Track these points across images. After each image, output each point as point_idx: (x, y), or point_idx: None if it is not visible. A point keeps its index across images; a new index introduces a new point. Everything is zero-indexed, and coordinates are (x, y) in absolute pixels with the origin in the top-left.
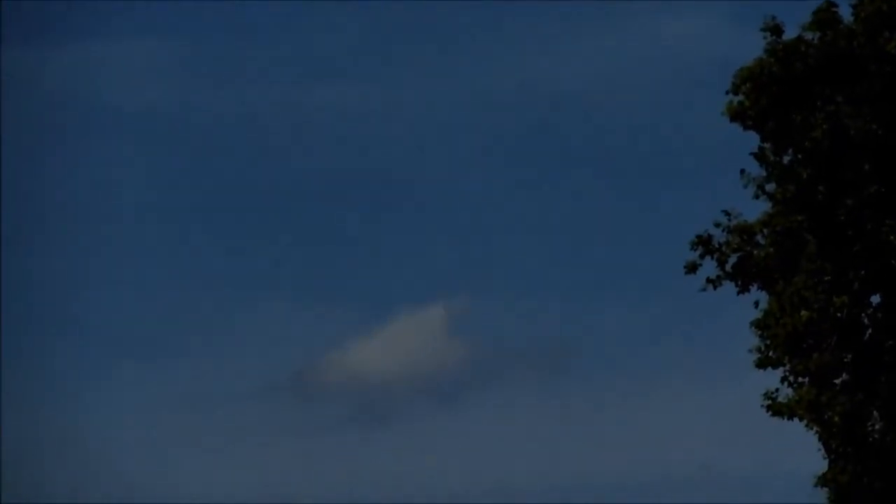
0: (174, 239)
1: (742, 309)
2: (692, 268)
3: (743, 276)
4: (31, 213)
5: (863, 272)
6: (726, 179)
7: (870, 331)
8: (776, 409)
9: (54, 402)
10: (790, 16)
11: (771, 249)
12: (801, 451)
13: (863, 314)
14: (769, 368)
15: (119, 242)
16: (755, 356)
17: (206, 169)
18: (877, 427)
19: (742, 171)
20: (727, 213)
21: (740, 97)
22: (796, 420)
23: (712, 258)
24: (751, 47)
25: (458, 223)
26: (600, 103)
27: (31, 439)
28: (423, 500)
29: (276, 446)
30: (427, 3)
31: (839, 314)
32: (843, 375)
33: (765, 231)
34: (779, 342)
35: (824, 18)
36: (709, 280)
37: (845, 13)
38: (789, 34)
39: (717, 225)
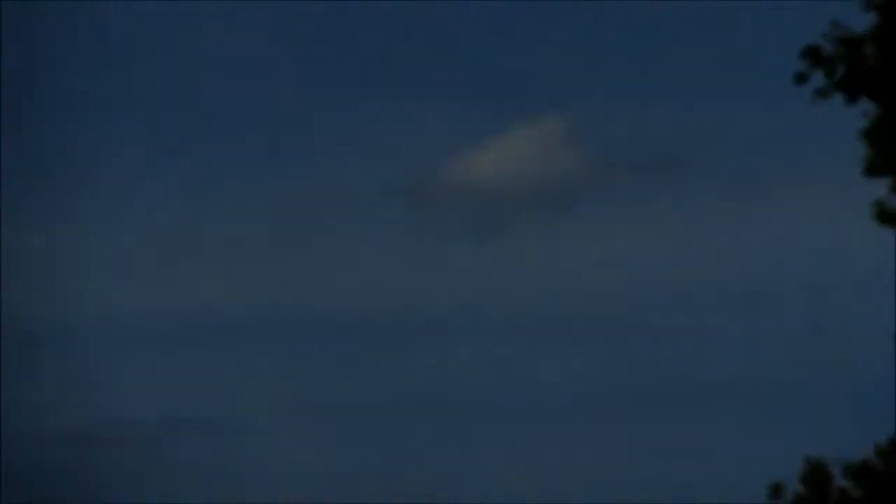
0: (281, 34)
1: (851, 121)
2: (801, 78)
3: (852, 87)
4: None
5: None
6: None
7: None
8: (885, 216)
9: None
10: None
11: (880, 59)
12: None
13: None
14: (878, 178)
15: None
16: (863, 165)
17: None
18: None
19: None
20: (836, 25)
21: None
22: None
23: (821, 68)
24: None
25: (573, 31)
26: None
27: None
28: (535, 307)
29: (388, 254)
30: None
31: None
32: None
33: (873, 42)
34: (889, 150)
35: None
36: (818, 92)
37: None
38: None
39: (826, 36)
